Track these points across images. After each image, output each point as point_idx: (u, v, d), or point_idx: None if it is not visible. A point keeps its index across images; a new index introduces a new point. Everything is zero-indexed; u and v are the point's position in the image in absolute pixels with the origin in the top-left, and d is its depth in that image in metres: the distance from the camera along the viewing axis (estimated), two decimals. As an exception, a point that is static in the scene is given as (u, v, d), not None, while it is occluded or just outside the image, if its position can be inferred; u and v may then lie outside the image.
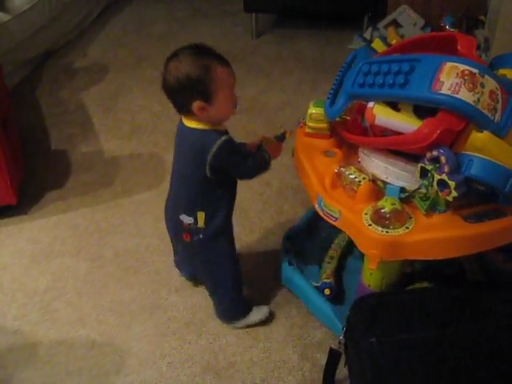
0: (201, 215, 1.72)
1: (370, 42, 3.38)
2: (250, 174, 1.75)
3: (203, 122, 1.62)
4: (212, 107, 1.59)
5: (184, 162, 1.71)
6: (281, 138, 1.82)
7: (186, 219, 1.73)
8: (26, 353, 1.89)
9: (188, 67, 1.55)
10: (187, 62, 1.56)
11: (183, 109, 1.62)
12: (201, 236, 1.75)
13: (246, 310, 1.94)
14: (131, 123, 3.12)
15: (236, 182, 1.77)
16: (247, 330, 1.93)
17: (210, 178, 1.65)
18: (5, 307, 2.05)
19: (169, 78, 1.58)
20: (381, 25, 3.64)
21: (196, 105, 1.57)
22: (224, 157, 1.63)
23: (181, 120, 1.68)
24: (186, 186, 1.73)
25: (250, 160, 1.70)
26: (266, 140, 1.80)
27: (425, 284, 1.74)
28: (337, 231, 2.06)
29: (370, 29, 3.68)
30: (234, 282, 1.88)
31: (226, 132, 1.65)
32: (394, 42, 3.04)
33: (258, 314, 1.95)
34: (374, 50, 1.85)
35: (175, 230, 1.81)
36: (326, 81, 3.26)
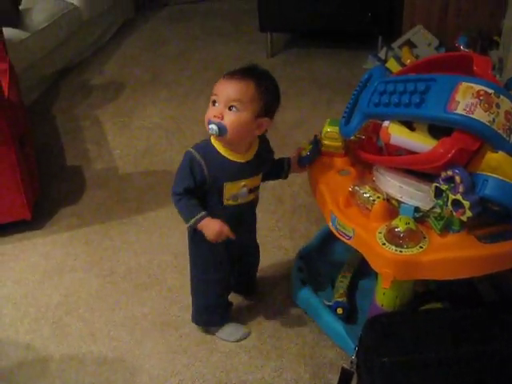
0: None
1: (385, 61, 3.39)
2: (172, 194, 1.69)
3: None
4: None
5: None
6: (316, 141, 1.81)
7: None
8: (38, 368, 1.88)
9: None
10: None
11: None
12: (189, 231, 1.79)
13: (209, 321, 1.94)
14: (146, 140, 3.14)
15: (218, 204, 1.71)
16: (259, 348, 1.91)
17: None
18: (17, 322, 2.05)
19: None
20: (395, 45, 3.65)
21: None
22: (181, 161, 1.67)
23: None
24: None
25: (179, 194, 1.65)
26: (303, 150, 1.81)
27: (438, 304, 1.72)
28: (350, 250, 2.05)
29: (384, 48, 3.69)
30: (200, 289, 1.90)
31: (202, 148, 1.66)
32: (408, 61, 3.05)
33: (230, 332, 1.95)
34: (388, 69, 1.85)
35: None
36: (341, 101, 3.27)
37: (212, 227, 1.65)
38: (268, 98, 1.64)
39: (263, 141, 1.75)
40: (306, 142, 1.83)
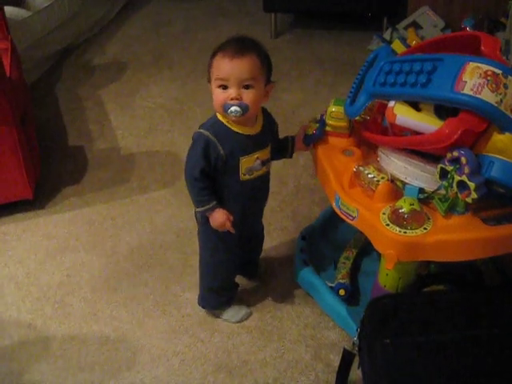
0: None
1: (390, 42, 3.36)
2: (186, 178, 1.68)
3: None
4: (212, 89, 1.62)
5: None
6: (322, 120, 1.80)
7: None
8: (39, 347, 1.89)
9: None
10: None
11: None
12: (197, 214, 1.78)
13: (217, 304, 1.94)
14: (148, 121, 3.12)
15: (235, 182, 1.70)
16: (261, 329, 1.91)
17: None
18: (19, 301, 2.05)
19: None
20: (400, 26, 3.62)
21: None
22: (191, 144, 1.66)
23: None
24: None
25: (196, 172, 1.64)
26: (309, 128, 1.80)
27: (441, 287, 1.72)
28: (353, 232, 2.05)
29: (389, 30, 3.65)
30: (208, 272, 1.89)
31: (214, 128, 1.64)
32: (413, 43, 3.00)
33: (232, 314, 1.95)
34: (393, 51, 1.83)
35: None
36: (344, 82, 3.26)
37: (218, 218, 1.68)
38: (269, 64, 1.66)
39: (265, 111, 1.75)
40: (312, 120, 1.82)
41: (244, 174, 1.69)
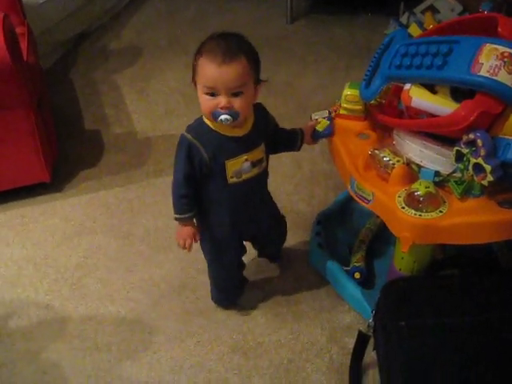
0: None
1: (407, 27, 3.33)
2: (172, 180, 1.65)
3: None
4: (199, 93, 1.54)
5: None
6: (329, 119, 1.80)
7: None
8: (56, 327, 1.91)
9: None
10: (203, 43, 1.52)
11: None
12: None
13: (226, 300, 1.94)
14: (164, 105, 3.13)
15: (223, 186, 1.64)
16: (276, 311, 1.93)
17: None
18: (37, 282, 2.08)
19: None
20: (417, 10, 3.58)
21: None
22: (176, 146, 1.61)
23: None
24: None
25: (176, 176, 1.62)
26: (318, 125, 1.78)
27: (455, 270, 1.72)
28: (368, 216, 2.05)
29: (406, 14, 3.62)
30: (213, 272, 1.88)
31: (196, 130, 1.59)
32: (430, 27, 2.99)
33: (247, 300, 1.95)
34: (410, 35, 1.82)
35: None
36: (360, 66, 3.21)
37: (182, 234, 1.68)
38: (257, 62, 1.56)
39: (258, 108, 1.65)
40: (318, 114, 1.81)
41: (231, 177, 1.62)
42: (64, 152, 2.71)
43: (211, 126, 1.57)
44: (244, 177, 1.64)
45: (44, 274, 2.11)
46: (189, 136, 1.57)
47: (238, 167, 1.61)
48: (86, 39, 3.89)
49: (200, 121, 1.60)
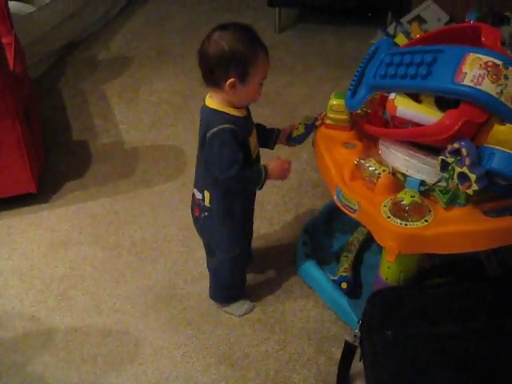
0: (207, 194, 1.74)
1: (394, 37, 3.35)
2: (228, 181, 1.67)
3: (221, 101, 1.64)
4: (242, 88, 1.61)
5: (198, 138, 1.71)
6: (310, 127, 1.81)
7: (197, 194, 1.78)
8: (42, 339, 1.90)
9: (237, 42, 1.57)
10: (237, 37, 1.57)
11: (215, 80, 1.61)
12: (206, 214, 1.78)
13: (231, 297, 1.96)
14: (152, 115, 3.13)
15: (249, 162, 1.72)
16: (263, 322, 1.92)
17: None
18: (22, 293, 2.06)
19: (212, 46, 1.58)
20: (404, 20, 3.60)
21: (230, 81, 1.58)
22: (214, 144, 1.63)
23: (204, 101, 1.70)
24: (197, 163, 1.78)
25: (235, 168, 1.63)
26: (295, 127, 1.82)
27: (442, 279, 1.72)
28: (355, 225, 2.05)
29: (393, 24, 3.64)
30: (225, 268, 1.88)
31: (235, 120, 1.64)
32: (417, 37, 3.01)
33: (236, 307, 1.96)
34: (397, 45, 1.83)
35: (191, 203, 1.85)
36: (348, 76, 3.19)
37: (278, 167, 1.74)
38: None
39: None
40: (304, 121, 1.84)
41: (253, 152, 1.73)
42: (51, 162, 2.70)
43: (230, 112, 1.65)
44: (256, 151, 1.78)
45: (30, 285, 2.09)
46: (226, 125, 1.62)
47: (254, 142, 1.75)
48: (74, 49, 3.88)
49: (219, 114, 1.65)
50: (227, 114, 1.64)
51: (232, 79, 1.58)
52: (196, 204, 1.80)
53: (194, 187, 1.80)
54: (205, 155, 1.69)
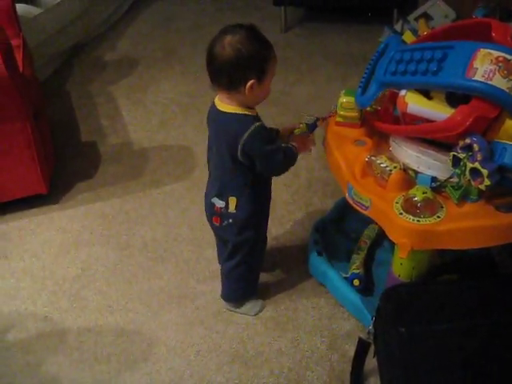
0: (232, 200, 1.74)
1: (401, 34, 3.34)
2: (277, 169, 1.75)
3: (238, 104, 1.64)
4: (259, 88, 1.63)
5: (219, 146, 1.71)
6: (312, 127, 1.81)
7: (218, 203, 1.76)
8: (56, 339, 1.91)
9: (252, 44, 1.58)
10: (250, 39, 1.59)
11: (233, 84, 1.61)
12: (230, 221, 1.77)
13: (244, 295, 1.96)
14: (160, 116, 3.14)
15: None
16: (276, 320, 1.92)
17: (243, 164, 1.67)
18: (35, 294, 2.07)
19: (227, 51, 1.57)
20: (411, 17, 3.60)
21: (251, 82, 1.60)
22: (255, 143, 1.63)
23: (213, 104, 1.70)
24: (220, 171, 1.75)
25: (281, 154, 1.68)
26: (298, 128, 1.82)
27: (455, 275, 1.72)
28: (366, 222, 2.05)
29: (400, 21, 3.64)
30: (243, 272, 1.89)
31: (258, 118, 1.67)
32: (424, 34, 3.00)
33: (250, 307, 1.96)
34: (404, 42, 1.83)
35: (208, 212, 1.84)
36: (356, 75, 3.24)
37: (301, 142, 1.78)
38: None
39: None
40: (305, 119, 1.84)
41: None
42: (61, 163, 2.71)
43: (250, 113, 1.67)
44: None
45: (42, 286, 2.10)
46: (257, 123, 1.64)
47: None
48: (81, 51, 3.90)
49: (244, 117, 1.66)
50: (249, 114, 1.65)
51: (252, 81, 1.59)
52: (216, 213, 1.79)
53: (212, 197, 1.78)
54: (236, 158, 1.67)
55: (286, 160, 1.71)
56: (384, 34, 3.70)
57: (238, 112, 1.64)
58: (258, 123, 1.63)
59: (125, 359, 1.83)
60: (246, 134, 1.61)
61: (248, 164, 1.67)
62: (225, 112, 1.66)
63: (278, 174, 1.78)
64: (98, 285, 2.10)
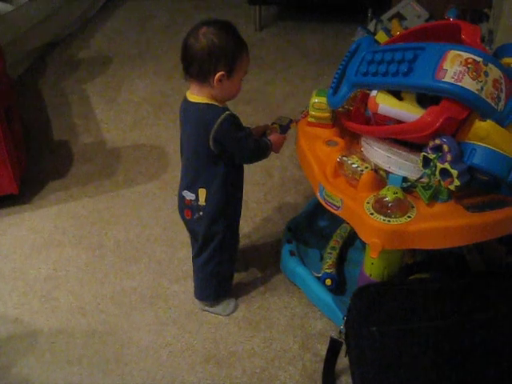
0: (202, 192, 1.74)
1: (374, 34, 3.36)
2: (250, 156, 1.76)
3: (208, 96, 1.66)
4: (228, 82, 1.64)
5: (189, 137, 1.72)
6: (285, 128, 1.82)
7: (188, 195, 1.77)
8: (27, 341, 1.88)
9: (225, 37, 1.60)
10: (224, 32, 1.61)
11: (202, 74, 1.62)
12: (201, 213, 1.77)
13: (219, 293, 1.94)
14: (133, 114, 3.11)
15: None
16: (248, 319, 1.92)
17: (214, 153, 1.67)
18: (5, 295, 2.04)
19: (201, 40, 1.59)
20: (385, 17, 3.62)
21: (219, 74, 1.61)
22: (227, 130, 1.65)
23: (185, 97, 1.71)
24: (190, 162, 1.76)
25: (252, 141, 1.71)
26: (271, 129, 1.81)
27: (426, 275, 1.73)
28: (338, 222, 2.06)
29: (373, 21, 3.66)
30: (219, 269, 1.88)
31: (228, 109, 1.68)
32: (397, 34, 3.02)
33: (223, 307, 1.95)
34: (377, 42, 1.84)
35: (180, 206, 1.84)
36: (330, 73, 3.22)
37: (277, 141, 1.81)
38: None
39: None
40: (277, 120, 1.86)
41: None
42: (32, 163, 2.68)
43: (221, 105, 1.68)
44: None
45: (12, 287, 2.08)
46: (227, 112, 1.66)
47: None
48: (54, 48, 3.85)
49: (215, 106, 1.67)
50: (219, 106, 1.67)
51: (221, 73, 1.60)
52: (187, 206, 1.79)
53: (183, 189, 1.78)
54: (206, 148, 1.67)
55: (258, 149, 1.74)
56: (357, 33, 3.72)
57: (207, 102, 1.66)
58: (227, 112, 1.65)
59: (97, 360, 1.82)
60: (217, 122, 1.62)
61: (218, 153, 1.67)
62: (194, 102, 1.67)
63: (250, 160, 1.80)
64: (70, 285, 2.08)
